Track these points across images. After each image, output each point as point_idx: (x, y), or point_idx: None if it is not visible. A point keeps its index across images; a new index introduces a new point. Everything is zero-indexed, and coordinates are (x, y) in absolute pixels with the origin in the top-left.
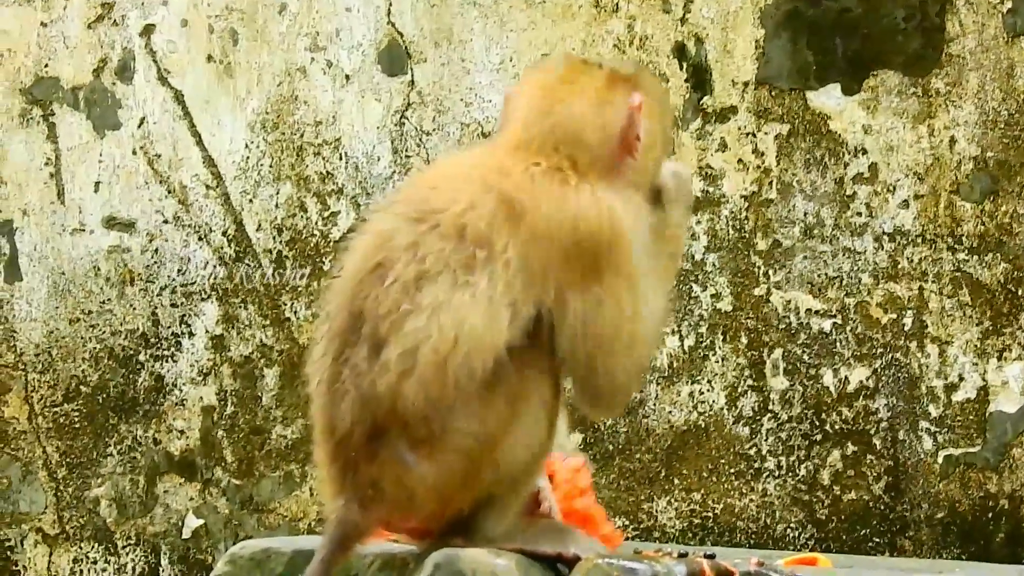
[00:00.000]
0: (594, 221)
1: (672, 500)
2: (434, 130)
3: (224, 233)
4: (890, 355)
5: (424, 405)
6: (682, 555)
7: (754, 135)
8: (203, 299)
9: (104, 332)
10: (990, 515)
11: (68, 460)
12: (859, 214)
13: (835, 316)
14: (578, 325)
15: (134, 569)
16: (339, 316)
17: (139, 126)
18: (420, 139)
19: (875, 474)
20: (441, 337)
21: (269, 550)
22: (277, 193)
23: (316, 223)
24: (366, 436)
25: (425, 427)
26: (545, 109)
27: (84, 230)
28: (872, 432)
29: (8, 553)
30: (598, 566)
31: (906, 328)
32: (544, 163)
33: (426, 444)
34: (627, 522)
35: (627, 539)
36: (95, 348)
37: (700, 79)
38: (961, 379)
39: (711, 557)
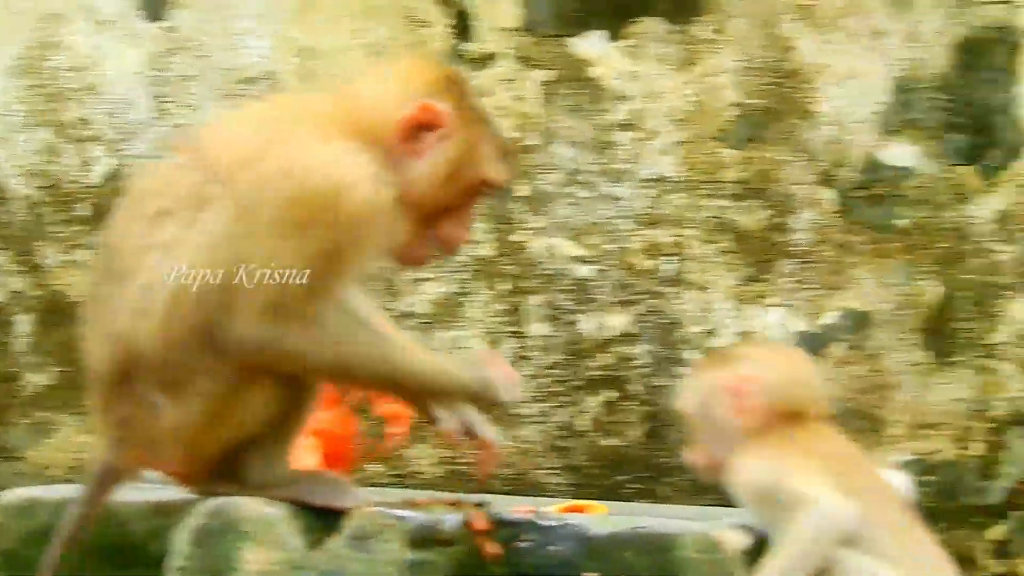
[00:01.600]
0: (331, 174)
1: (429, 447)
2: (194, 76)
3: None
4: (650, 301)
5: (163, 346)
6: (454, 504)
7: (516, 81)
8: None
9: None
10: None
11: None
12: (621, 160)
13: (596, 262)
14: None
15: None
16: (100, 253)
17: None
18: (180, 85)
19: (633, 420)
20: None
21: (35, 499)
22: (34, 139)
23: (73, 169)
24: (114, 376)
25: (167, 368)
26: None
27: None
28: (631, 379)
29: None
30: (371, 514)
31: (666, 274)
32: (320, 117)
33: (170, 386)
34: (384, 468)
35: (387, 487)
36: None
37: (462, 25)
38: (721, 326)
39: (483, 505)
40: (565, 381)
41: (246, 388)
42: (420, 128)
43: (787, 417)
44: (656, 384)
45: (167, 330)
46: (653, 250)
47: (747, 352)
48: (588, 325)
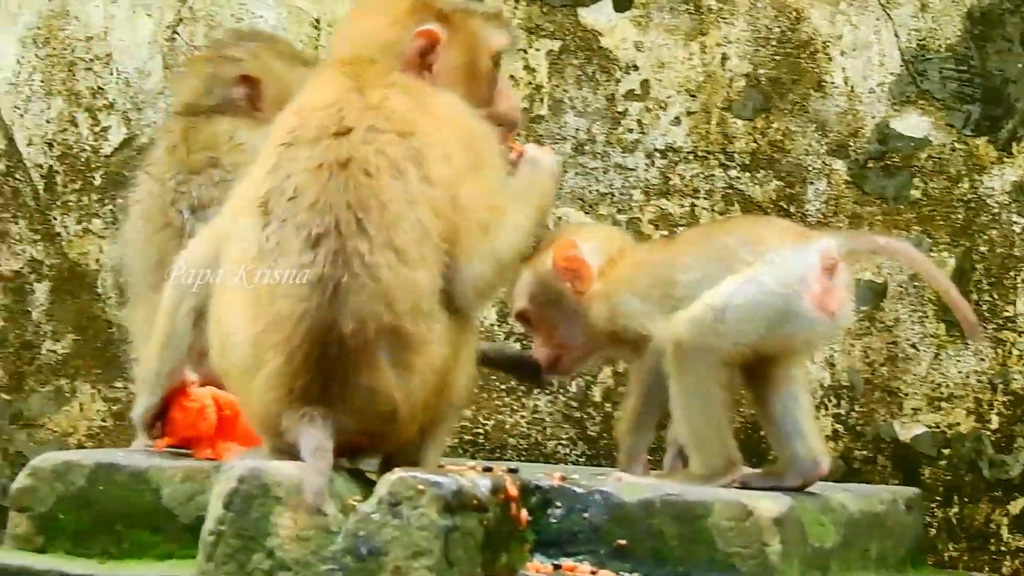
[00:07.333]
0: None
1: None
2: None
3: None
4: None
5: (432, 298)
6: (486, 469)
7: (525, 51)
8: None
9: None
10: (762, 433)
11: None
12: (630, 131)
13: None
14: None
15: None
16: (325, 210)
17: None
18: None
19: None
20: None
21: (70, 463)
22: (48, 108)
23: (87, 138)
24: (373, 336)
25: (427, 322)
26: (349, 27)
27: None
28: None
29: None
30: (403, 479)
31: None
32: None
33: (420, 346)
34: None
35: None
36: None
37: None
38: None
39: (514, 471)
40: None
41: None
42: (425, 53)
43: (611, 265)
44: None
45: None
46: (664, 221)
47: (557, 235)
48: None
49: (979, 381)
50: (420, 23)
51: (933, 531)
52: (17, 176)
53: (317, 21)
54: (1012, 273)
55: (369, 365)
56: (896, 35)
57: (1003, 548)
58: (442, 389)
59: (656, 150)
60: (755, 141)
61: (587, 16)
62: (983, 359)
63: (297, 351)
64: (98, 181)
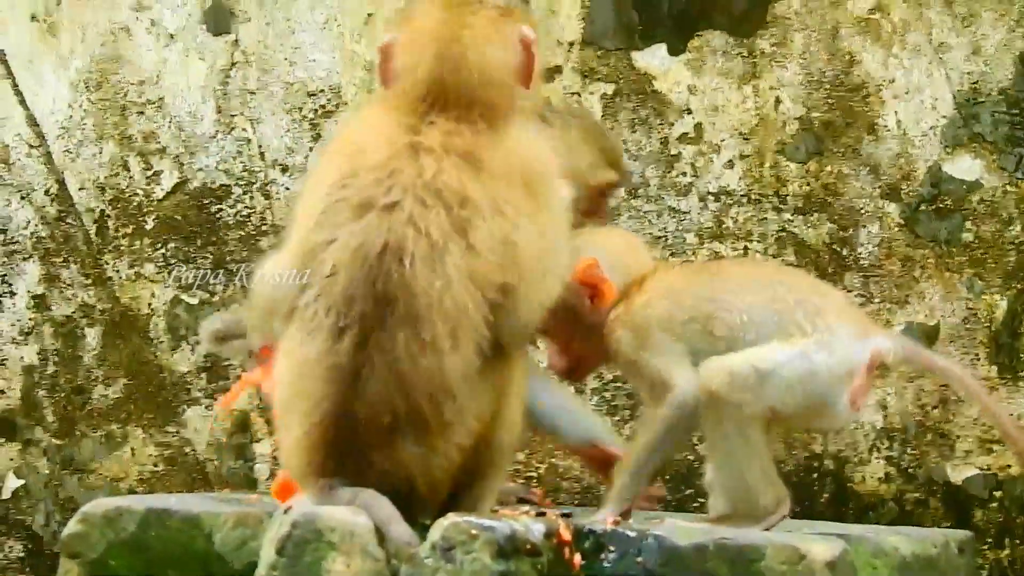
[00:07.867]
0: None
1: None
2: (258, 89)
3: (46, 192)
4: None
5: (462, 382)
6: (540, 514)
7: (579, 95)
8: (25, 258)
9: None
10: (815, 475)
11: None
12: (684, 174)
13: None
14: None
15: None
16: (352, 301)
17: None
18: (244, 98)
19: (698, 435)
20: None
21: (121, 508)
22: (100, 152)
23: (139, 182)
24: (390, 422)
25: (452, 406)
26: (438, 56)
27: None
28: None
29: None
30: (457, 524)
31: None
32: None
33: (442, 429)
34: None
35: None
36: None
37: None
38: None
39: (568, 516)
40: (632, 395)
41: (498, 419)
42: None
43: (635, 283)
44: None
45: (469, 367)
46: None
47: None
48: None
49: None
50: (515, 34)
51: (985, 573)
52: (69, 220)
53: (369, 65)
54: None
55: (384, 449)
56: (948, 78)
57: None
58: (481, 449)
59: (709, 193)
60: (808, 184)
61: (641, 60)
62: None
63: (316, 428)
64: (150, 225)
